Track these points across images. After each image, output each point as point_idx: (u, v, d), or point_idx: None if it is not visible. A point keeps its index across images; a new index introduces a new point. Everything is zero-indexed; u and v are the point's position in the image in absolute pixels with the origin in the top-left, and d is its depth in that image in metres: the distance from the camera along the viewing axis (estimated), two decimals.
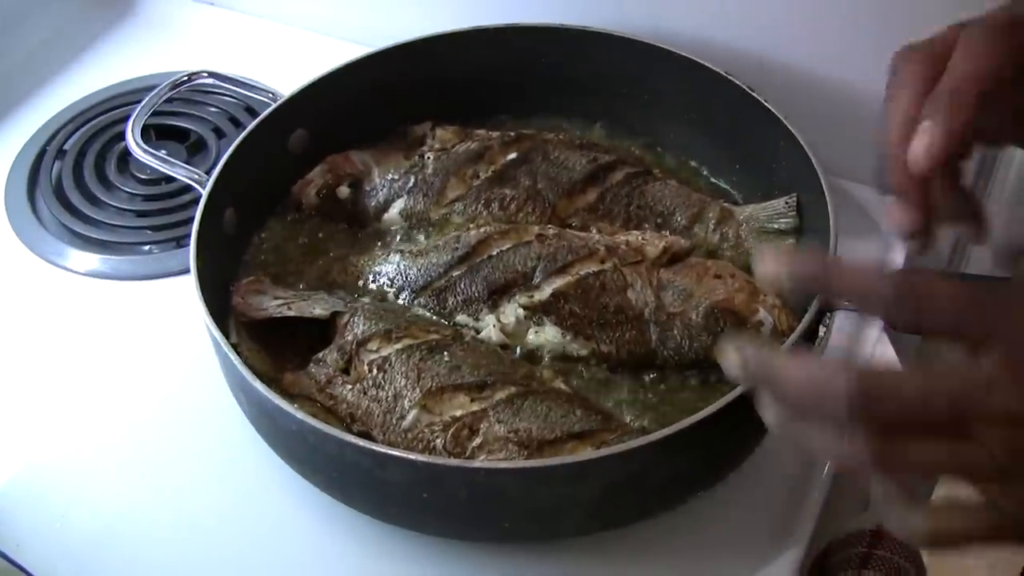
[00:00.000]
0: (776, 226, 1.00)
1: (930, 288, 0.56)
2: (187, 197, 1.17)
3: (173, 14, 1.43)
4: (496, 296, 0.94)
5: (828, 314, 0.86)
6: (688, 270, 0.94)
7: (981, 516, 0.58)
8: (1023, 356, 0.53)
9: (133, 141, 1.05)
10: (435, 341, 0.89)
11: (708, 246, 1.01)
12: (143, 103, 1.08)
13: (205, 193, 0.96)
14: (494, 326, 0.93)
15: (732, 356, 0.60)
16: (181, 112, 1.27)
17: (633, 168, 1.05)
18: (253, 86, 1.14)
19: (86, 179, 1.21)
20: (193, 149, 1.24)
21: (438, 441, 0.84)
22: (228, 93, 1.28)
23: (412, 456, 0.78)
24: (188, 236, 0.92)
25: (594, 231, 1.00)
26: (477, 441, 0.83)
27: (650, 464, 0.79)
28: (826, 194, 0.92)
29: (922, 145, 0.65)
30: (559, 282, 0.93)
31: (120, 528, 0.91)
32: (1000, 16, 0.67)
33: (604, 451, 0.78)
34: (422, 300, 0.96)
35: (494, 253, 0.95)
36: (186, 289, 0.89)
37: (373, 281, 0.99)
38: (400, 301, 0.98)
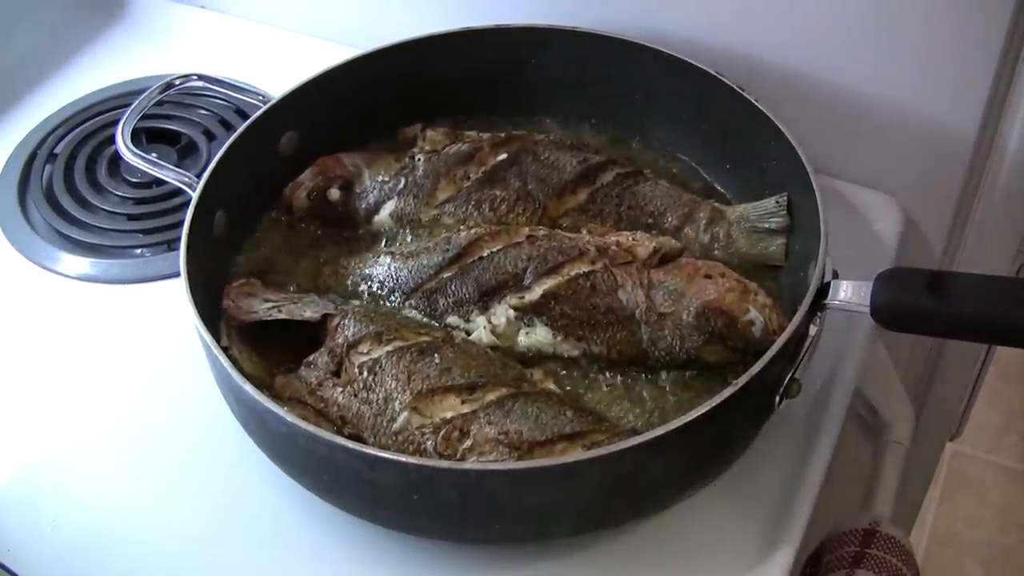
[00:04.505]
0: (767, 225, 1.00)
1: None
2: (178, 200, 1.16)
3: (162, 17, 1.43)
4: (487, 297, 0.94)
5: (819, 313, 0.86)
6: (679, 270, 0.94)
7: None
8: None
9: (123, 144, 1.05)
10: (425, 343, 0.89)
11: (699, 246, 1.01)
12: (133, 106, 1.08)
13: (195, 196, 0.96)
14: (485, 327, 0.93)
15: None
16: (171, 115, 1.27)
17: (623, 168, 1.04)
18: (243, 88, 1.14)
19: (77, 183, 1.21)
20: (184, 152, 1.24)
21: (429, 443, 0.84)
22: (218, 96, 1.28)
23: (403, 458, 0.77)
24: (179, 239, 0.92)
25: (585, 232, 1.00)
26: (468, 443, 0.83)
27: (641, 465, 0.79)
28: (816, 193, 0.92)
29: None
30: (550, 283, 0.93)
31: (112, 532, 0.91)
32: None
33: (595, 452, 0.78)
34: (413, 302, 0.96)
35: (485, 254, 0.95)
36: (177, 292, 0.89)
37: (363, 283, 0.99)
38: (391, 303, 0.97)
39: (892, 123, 1.08)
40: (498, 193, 1.03)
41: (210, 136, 1.25)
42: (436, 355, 0.88)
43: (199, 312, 0.87)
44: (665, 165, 1.11)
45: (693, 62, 1.05)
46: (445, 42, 1.11)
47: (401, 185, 1.05)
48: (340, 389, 0.88)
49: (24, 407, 1.00)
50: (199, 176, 0.98)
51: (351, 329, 0.91)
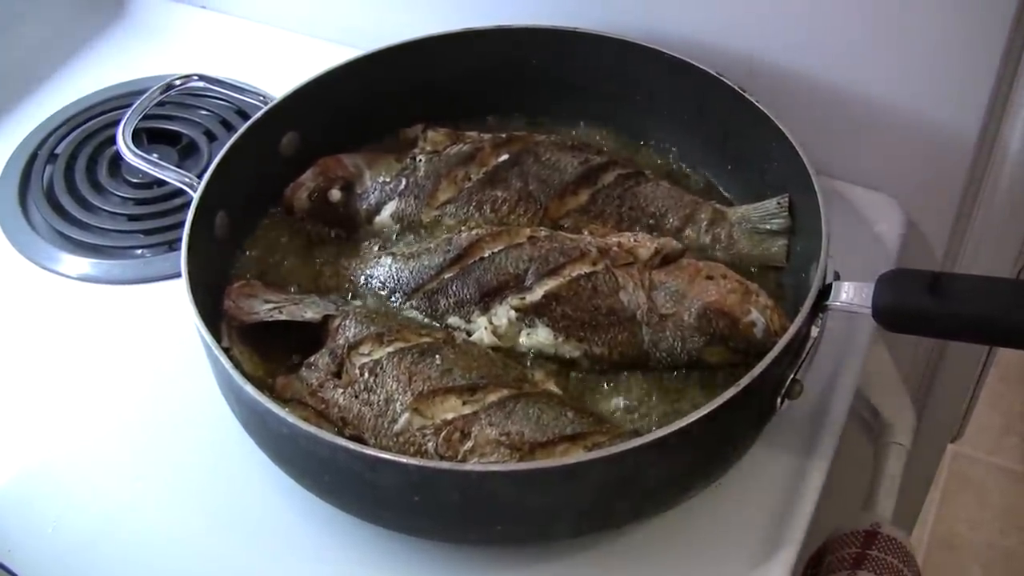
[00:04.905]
0: (768, 226, 0.99)
1: None
2: (179, 201, 1.16)
3: (163, 17, 1.43)
4: (488, 298, 0.94)
5: (821, 314, 0.86)
6: (680, 271, 0.93)
7: None
8: None
9: (124, 145, 1.05)
10: (426, 344, 0.89)
11: (700, 247, 1.00)
12: (134, 107, 1.08)
13: (196, 196, 0.96)
14: (486, 328, 0.93)
15: None
16: (172, 115, 1.27)
17: (625, 169, 1.04)
18: (244, 89, 1.14)
19: (78, 183, 1.20)
20: (185, 152, 1.24)
21: (430, 444, 0.84)
22: (219, 96, 1.28)
23: (403, 459, 0.77)
24: (180, 240, 0.92)
25: (586, 233, 1.00)
26: (469, 444, 0.83)
27: (643, 466, 0.79)
28: (817, 194, 0.92)
29: None
30: (551, 284, 0.93)
31: (113, 533, 0.91)
32: None
33: (596, 453, 0.78)
34: (414, 302, 0.96)
35: (486, 255, 0.95)
36: (178, 293, 0.89)
37: (364, 284, 0.99)
38: (392, 304, 0.97)
39: (894, 125, 1.08)
40: (499, 194, 1.03)
41: (211, 136, 1.25)
42: (437, 356, 0.88)
43: (200, 313, 0.87)
44: (666, 166, 1.11)
45: (694, 63, 1.05)
46: (446, 43, 1.11)
47: (402, 186, 1.04)
48: (341, 390, 0.88)
49: (25, 408, 1.00)
50: (200, 176, 0.98)
51: (352, 330, 0.91)
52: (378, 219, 1.05)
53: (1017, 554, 2.12)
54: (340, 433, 0.85)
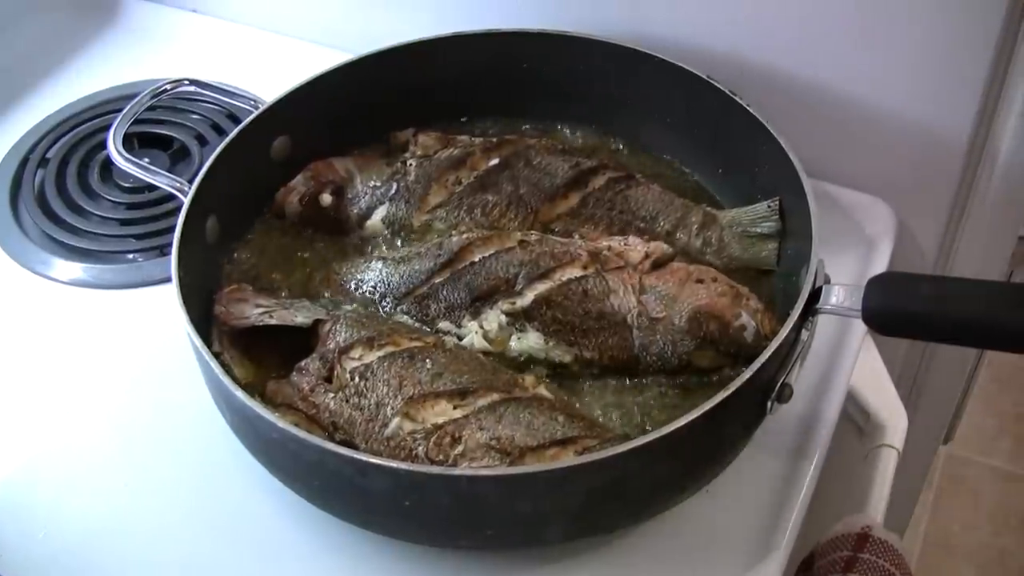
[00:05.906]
0: (759, 230, 1.00)
1: None
2: (170, 205, 1.16)
3: (155, 22, 1.43)
4: (479, 303, 0.94)
5: (811, 317, 0.86)
6: (671, 275, 0.94)
7: None
8: None
9: (115, 149, 1.04)
10: (417, 348, 0.89)
11: (691, 251, 1.00)
12: (124, 111, 1.07)
13: (187, 201, 0.96)
14: (476, 333, 0.93)
15: None
16: (164, 120, 1.27)
17: (616, 173, 1.04)
18: (235, 93, 1.14)
19: (69, 188, 1.20)
20: (176, 157, 1.23)
21: (420, 449, 0.83)
22: (211, 100, 1.27)
23: (394, 464, 0.77)
24: (171, 244, 0.92)
25: (577, 237, 1.00)
26: (459, 449, 0.83)
27: (633, 470, 0.79)
28: (808, 197, 0.92)
29: None
30: (542, 288, 0.93)
31: (103, 537, 0.91)
32: None
33: (586, 458, 0.78)
34: (404, 307, 0.96)
35: (476, 259, 0.95)
36: (169, 297, 0.89)
37: (355, 288, 0.99)
38: (382, 308, 0.97)
39: (885, 127, 1.08)
40: (490, 198, 1.03)
41: (202, 141, 1.24)
42: (428, 360, 0.88)
43: (190, 318, 0.87)
44: (657, 169, 1.11)
45: (684, 66, 1.05)
46: (437, 46, 1.11)
47: (393, 190, 1.04)
48: (332, 395, 0.88)
49: (16, 412, 1.00)
50: (191, 181, 0.98)
51: (343, 334, 0.91)
52: (369, 223, 1.05)
53: (1011, 555, 2.12)
54: (331, 438, 0.85)
